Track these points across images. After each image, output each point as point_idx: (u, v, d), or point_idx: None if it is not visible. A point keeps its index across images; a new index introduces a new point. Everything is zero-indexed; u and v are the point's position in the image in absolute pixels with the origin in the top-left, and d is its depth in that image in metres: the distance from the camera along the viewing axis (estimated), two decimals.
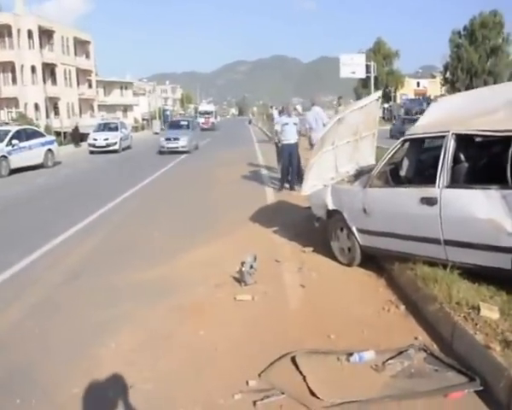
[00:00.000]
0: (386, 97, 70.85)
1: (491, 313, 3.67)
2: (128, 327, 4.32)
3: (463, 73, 58.09)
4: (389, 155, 4.95)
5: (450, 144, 4.26)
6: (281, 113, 15.73)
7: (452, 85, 60.30)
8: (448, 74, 61.85)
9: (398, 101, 75.47)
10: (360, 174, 6.06)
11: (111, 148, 24.28)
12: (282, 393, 3.16)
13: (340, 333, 4.00)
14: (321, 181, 6.22)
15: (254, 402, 3.08)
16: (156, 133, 44.73)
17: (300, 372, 3.39)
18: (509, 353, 3.17)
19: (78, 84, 49.34)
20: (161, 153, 22.63)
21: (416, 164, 5.03)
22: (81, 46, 50.81)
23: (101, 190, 12.51)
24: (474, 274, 4.25)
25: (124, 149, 25.41)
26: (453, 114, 4.60)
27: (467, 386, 3.16)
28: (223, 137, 35.88)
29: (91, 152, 24.45)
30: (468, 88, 57.42)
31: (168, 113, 62.73)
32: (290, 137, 10.81)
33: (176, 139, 22.36)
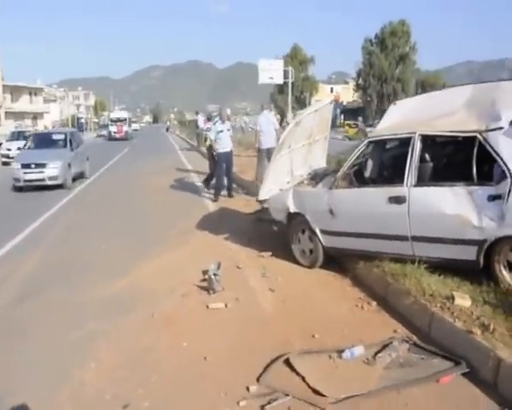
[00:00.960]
0: (301, 103, 73.12)
1: (464, 301, 3.94)
2: (102, 344, 4.10)
3: (375, 79, 61.27)
4: (354, 157, 5.13)
5: (417, 145, 4.51)
6: (209, 119, 15.76)
7: (364, 91, 63.47)
8: (360, 80, 64.92)
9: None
10: (315, 177, 6.24)
11: None
12: (287, 395, 3.17)
13: (322, 332, 4.09)
14: (277, 185, 6.32)
15: (262, 407, 3.06)
16: None
17: (297, 373, 3.42)
18: (488, 335, 3.43)
19: None
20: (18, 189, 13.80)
21: (382, 164, 5.27)
22: None
23: (25, 204, 11.67)
24: (439, 268, 4.53)
25: None
26: (415, 116, 4.88)
27: (454, 370, 3.38)
28: (143, 147, 34.79)
29: (4, 163, 22.52)
30: (379, 94, 60.88)
31: (83, 121, 60.27)
32: (226, 144, 10.56)
33: (40, 166, 13.41)
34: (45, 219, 9.57)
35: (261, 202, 6.44)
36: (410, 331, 4.05)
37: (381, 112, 62.35)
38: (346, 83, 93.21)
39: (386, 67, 61.44)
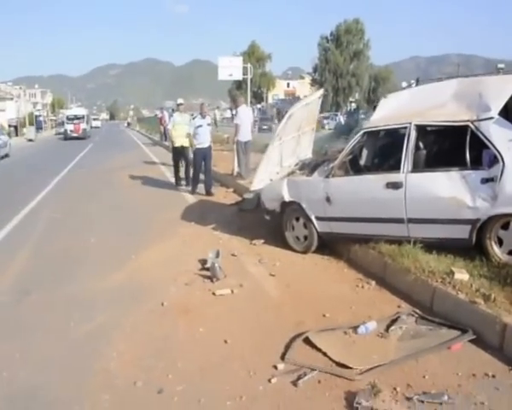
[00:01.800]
0: (259, 98, 73.67)
1: (462, 275, 4.24)
2: (118, 335, 4.13)
3: (330, 74, 62.69)
4: (350, 147, 5.37)
5: (412, 134, 4.80)
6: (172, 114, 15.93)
7: (321, 86, 64.60)
8: (317, 75, 66.22)
9: (270, 101, 78.79)
10: (304, 167, 6.45)
11: None
12: (313, 369, 3.35)
13: (332, 311, 4.30)
14: (267, 175, 6.49)
15: (294, 382, 3.23)
16: (31, 140, 41.52)
17: (318, 349, 3.61)
18: (491, 304, 3.73)
19: None
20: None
21: (378, 153, 5.53)
22: None
23: (3, 201, 11.28)
24: (433, 247, 4.83)
25: (2, 158, 23.08)
26: (407, 108, 5.17)
27: (462, 337, 3.67)
28: (106, 143, 34.34)
29: None
30: (334, 88, 62.24)
31: (41, 118, 58.41)
32: (204, 139, 10.49)
33: None
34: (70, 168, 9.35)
35: (253, 192, 6.59)
36: (412, 306, 4.31)
37: (336, 104, 63.96)
38: (302, 78, 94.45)
39: (342, 63, 63.19)
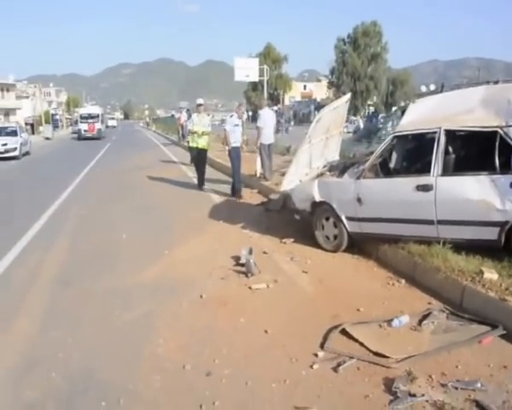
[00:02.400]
0: (275, 100, 73.98)
1: (491, 275, 4.42)
2: (161, 324, 4.37)
3: (348, 77, 62.67)
4: (380, 150, 5.58)
5: (442, 138, 4.99)
6: (190, 116, 16.15)
7: (338, 88, 64.70)
8: (334, 78, 66.24)
9: (287, 103, 78.97)
10: (333, 168, 6.68)
11: (10, 154, 22.07)
12: (352, 358, 3.57)
13: (365, 306, 4.51)
14: (296, 177, 6.72)
15: (334, 369, 3.45)
16: (48, 138, 42.25)
17: (355, 340, 3.83)
18: None
19: None
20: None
21: (408, 156, 5.73)
22: None
23: (32, 197, 11.65)
24: (462, 248, 5.00)
25: (23, 155, 23.63)
26: (436, 113, 5.36)
27: (493, 332, 3.85)
28: (124, 143, 34.85)
29: None
30: (352, 91, 62.18)
31: (57, 117, 59.36)
32: (238, 139, 10.52)
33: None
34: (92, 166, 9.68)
35: (284, 192, 6.82)
36: (442, 303, 4.50)
37: (354, 108, 64.02)
38: (319, 80, 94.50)
39: (359, 66, 63.09)
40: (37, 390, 3.41)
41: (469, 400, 3.04)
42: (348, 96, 7.30)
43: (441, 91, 11.21)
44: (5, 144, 22.16)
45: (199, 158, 11.74)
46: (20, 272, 5.90)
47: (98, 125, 39.15)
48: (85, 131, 38.42)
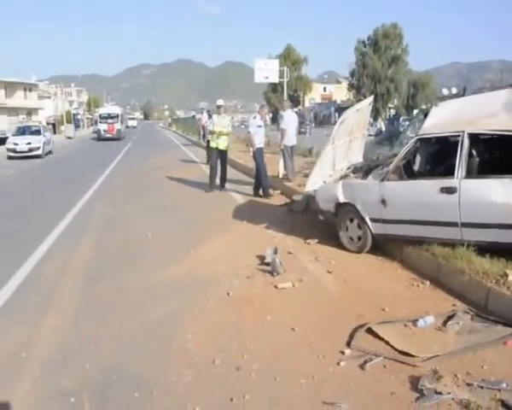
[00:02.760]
0: (295, 101, 74.00)
1: None
2: (189, 320, 4.49)
3: (368, 79, 62.40)
4: (404, 153, 5.63)
5: (465, 142, 5.02)
6: (210, 117, 16.35)
7: (358, 90, 64.40)
8: (354, 80, 66.01)
9: (307, 105, 78.91)
10: (357, 170, 6.74)
11: (34, 153, 22.70)
12: (378, 356, 3.64)
13: (390, 306, 4.57)
14: (320, 178, 6.79)
15: (361, 366, 3.53)
16: (69, 138, 43.01)
17: (381, 339, 3.89)
18: None
19: None
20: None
21: (431, 159, 5.77)
22: None
23: (57, 196, 11.94)
24: (486, 250, 5.01)
25: (46, 154, 24.15)
26: (459, 116, 5.39)
27: None
28: (145, 143, 35.26)
29: (10, 157, 22.66)
30: (372, 93, 61.95)
31: (79, 117, 60.40)
32: (261, 140, 10.71)
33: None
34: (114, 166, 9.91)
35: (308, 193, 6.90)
36: (466, 305, 4.53)
37: (375, 110, 63.65)
38: (339, 82, 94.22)
39: (380, 68, 62.76)
40: (72, 380, 3.56)
41: (495, 399, 3.07)
42: (371, 98, 7.36)
43: (463, 95, 11.18)
44: (29, 143, 22.75)
45: (220, 159, 11.67)
46: (49, 269, 6.10)
47: (118, 126, 38.36)
48: (105, 131, 37.78)
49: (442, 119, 5.57)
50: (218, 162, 11.70)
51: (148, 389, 3.38)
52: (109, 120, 38.38)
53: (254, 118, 10.89)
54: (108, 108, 44.57)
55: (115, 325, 4.49)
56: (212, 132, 11.73)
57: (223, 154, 11.64)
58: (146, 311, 4.75)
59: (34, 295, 5.25)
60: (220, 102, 12.03)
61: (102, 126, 38.16)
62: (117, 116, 39.08)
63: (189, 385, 3.43)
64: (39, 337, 4.24)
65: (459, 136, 5.12)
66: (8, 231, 8.18)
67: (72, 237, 7.73)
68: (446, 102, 6.27)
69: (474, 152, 5.25)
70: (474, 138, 5.12)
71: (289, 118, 11.35)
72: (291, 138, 11.28)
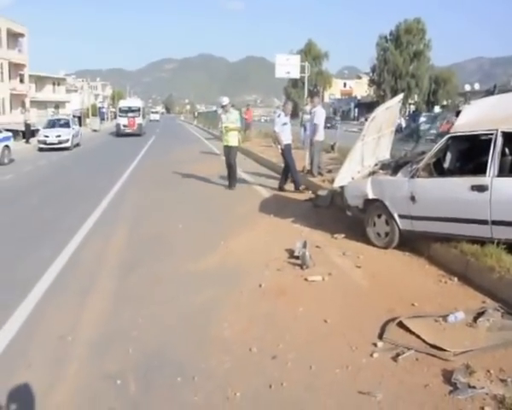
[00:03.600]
0: (312, 96, 73.33)
1: None
2: (226, 309, 4.64)
3: (389, 75, 61.82)
4: (435, 150, 5.69)
5: (499, 140, 5.06)
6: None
7: (379, 86, 63.81)
8: (375, 76, 65.47)
9: (327, 100, 78.54)
10: (385, 167, 6.81)
11: (63, 145, 23.31)
12: (410, 349, 3.74)
13: (420, 301, 4.66)
14: (349, 174, 6.88)
15: (393, 358, 3.64)
16: (95, 130, 43.61)
17: (412, 333, 3.99)
18: None
19: (10, 78, 46.63)
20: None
21: (462, 157, 5.82)
22: (14, 38, 48.08)
23: (86, 188, 12.25)
24: None
25: (75, 146, 24.68)
26: (493, 115, 5.42)
27: None
28: (168, 136, 35.64)
29: (41, 149, 23.27)
30: (393, 89, 61.46)
31: (104, 110, 61.26)
32: (289, 136, 10.73)
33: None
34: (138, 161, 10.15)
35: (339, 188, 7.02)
36: (496, 302, 4.59)
37: None
38: (359, 78, 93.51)
39: (401, 64, 62.15)
40: (117, 364, 3.75)
41: None
42: (401, 96, 7.44)
43: (493, 92, 11.12)
44: (59, 136, 23.31)
45: (228, 155, 11.43)
46: (86, 257, 6.34)
47: (139, 120, 34.82)
48: (124, 126, 34.39)
49: (475, 117, 5.60)
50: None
51: (189, 375, 3.54)
52: (130, 114, 34.79)
53: (279, 116, 10.90)
54: (129, 101, 41.25)
55: (153, 312, 4.67)
56: (221, 131, 11.72)
57: (231, 150, 11.38)
58: (182, 299, 4.94)
59: (74, 282, 5.48)
60: (225, 100, 11.55)
61: (122, 121, 34.76)
62: (138, 110, 35.54)
63: (229, 371, 3.59)
64: (82, 322, 4.46)
65: (492, 134, 5.16)
66: (46, 220, 8.54)
67: (105, 226, 8.00)
68: (479, 101, 6.30)
69: (506, 151, 5.29)
70: (508, 137, 5.16)
71: (321, 113, 11.45)
72: (322, 133, 11.39)
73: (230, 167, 11.47)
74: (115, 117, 42.31)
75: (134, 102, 40.32)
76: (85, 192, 11.44)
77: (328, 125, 36.14)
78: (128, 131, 34.17)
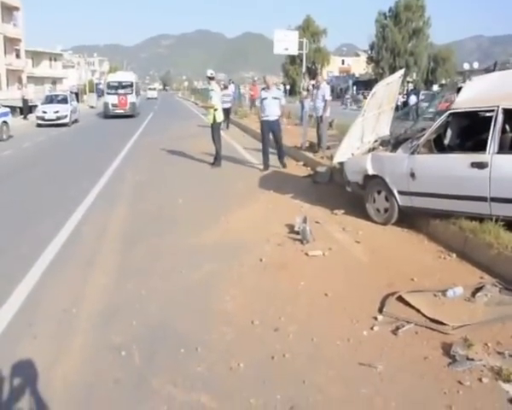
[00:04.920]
0: (313, 74, 72.92)
1: None
2: (227, 283, 4.69)
3: (388, 52, 61.28)
4: (436, 126, 5.69)
5: (499, 117, 5.07)
6: (226, 87, 16.75)
7: (377, 64, 63.27)
8: (373, 53, 64.87)
9: (325, 77, 77.79)
10: (384, 143, 6.81)
11: (61, 121, 23.13)
12: (410, 322, 3.81)
13: (419, 276, 4.72)
14: (349, 150, 6.89)
15: (393, 332, 3.71)
16: (92, 107, 43.19)
17: (412, 307, 4.06)
18: None
19: (6, 53, 46.00)
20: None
21: (463, 134, 5.82)
22: (9, 12, 47.29)
23: (88, 162, 12.24)
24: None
25: (73, 123, 24.51)
26: (494, 91, 5.41)
27: None
28: (167, 112, 35.44)
29: (39, 125, 23.08)
30: (391, 67, 60.93)
31: (101, 86, 60.58)
32: (269, 112, 10.26)
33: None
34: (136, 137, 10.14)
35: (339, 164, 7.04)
36: (494, 278, 4.65)
37: None
38: (358, 55, 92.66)
39: (400, 41, 61.61)
40: (121, 336, 3.79)
41: None
42: (401, 71, 7.40)
43: (494, 70, 11.05)
44: (57, 112, 23.17)
45: (212, 133, 11.19)
46: (88, 232, 6.37)
47: (131, 98, 29.01)
48: (114, 105, 28.57)
49: (476, 93, 5.60)
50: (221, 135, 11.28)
51: (192, 346, 3.60)
52: (120, 91, 28.90)
53: (262, 89, 10.83)
54: (119, 75, 33.82)
55: (156, 285, 4.72)
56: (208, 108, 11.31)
57: (213, 128, 11.15)
58: (184, 273, 4.98)
59: (76, 256, 5.52)
60: (209, 73, 11.38)
61: (111, 99, 28.72)
62: (130, 85, 29.44)
63: (231, 343, 3.65)
64: (86, 295, 4.50)
65: (493, 111, 5.16)
66: (47, 195, 8.57)
67: (106, 201, 8.05)
68: (480, 77, 6.29)
69: (507, 127, 5.29)
70: (509, 114, 5.16)
71: (328, 89, 11.44)
72: (328, 109, 11.39)
73: (215, 142, 11.17)
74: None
75: (125, 75, 33.32)
76: (85, 168, 11.42)
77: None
78: (118, 111, 28.34)
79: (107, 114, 28.57)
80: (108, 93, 29.31)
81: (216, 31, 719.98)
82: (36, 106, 26.10)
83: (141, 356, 3.51)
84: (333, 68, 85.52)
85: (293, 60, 66.60)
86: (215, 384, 3.13)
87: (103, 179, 9.83)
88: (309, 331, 3.75)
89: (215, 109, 10.94)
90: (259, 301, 4.32)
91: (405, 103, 27.75)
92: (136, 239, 6.06)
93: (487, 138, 5.13)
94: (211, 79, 11.22)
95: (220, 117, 11.17)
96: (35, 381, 3.18)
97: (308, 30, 68.67)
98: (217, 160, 11.22)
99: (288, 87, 70.78)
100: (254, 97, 25.14)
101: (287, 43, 40.98)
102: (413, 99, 26.32)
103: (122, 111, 28.47)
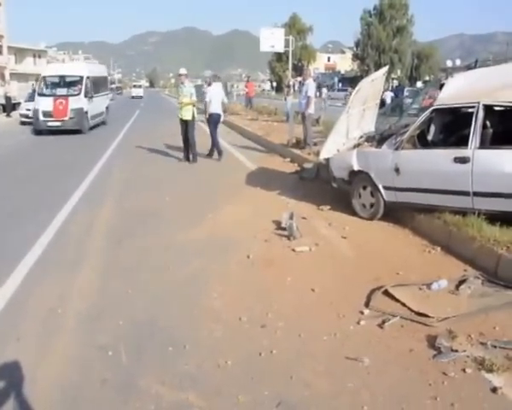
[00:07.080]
0: (299, 71, 73.11)
1: None
2: (215, 280, 4.69)
3: (373, 49, 61.89)
4: (419, 122, 5.75)
5: (480, 113, 5.14)
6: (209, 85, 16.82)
7: (362, 61, 63.75)
8: (358, 50, 65.43)
9: (311, 74, 77.94)
10: (369, 139, 6.87)
11: None
12: (395, 316, 3.86)
13: (404, 270, 4.79)
14: (334, 146, 6.93)
15: (379, 325, 3.75)
16: None
17: (397, 300, 4.11)
18: None
19: None
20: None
21: (445, 129, 5.90)
22: None
23: (73, 160, 12.06)
24: (496, 219, 5.19)
25: None
26: (475, 87, 5.49)
27: None
28: (152, 109, 35.10)
29: (23, 123, 22.19)
30: (376, 64, 61.28)
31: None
32: (214, 107, 11.61)
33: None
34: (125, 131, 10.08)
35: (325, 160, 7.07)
36: (477, 271, 4.72)
37: None
38: (343, 52, 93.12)
39: (384, 38, 62.34)
40: (107, 335, 3.76)
41: (507, 358, 3.28)
42: (386, 68, 7.48)
43: (475, 67, 11.19)
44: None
45: (185, 130, 11.54)
46: (74, 231, 6.31)
47: (76, 103, 17.84)
48: (47, 114, 17.66)
49: (458, 90, 5.67)
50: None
51: (180, 344, 3.60)
52: (58, 92, 18.67)
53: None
54: (62, 67, 23.95)
55: (143, 283, 4.70)
56: (179, 103, 11.66)
57: (187, 124, 11.45)
58: (171, 271, 4.97)
59: (62, 255, 5.47)
60: (181, 70, 11.83)
61: (43, 104, 17.84)
62: (78, 81, 18.73)
63: (219, 340, 3.65)
64: (72, 295, 4.46)
65: (474, 107, 5.23)
66: (32, 194, 8.47)
67: (92, 199, 7.98)
68: (462, 74, 6.37)
69: (488, 123, 5.37)
70: (489, 110, 5.24)
71: (313, 86, 11.45)
72: (313, 106, 11.43)
73: (187, 141, 11.51)
74: None
75: (70, 68, 21.88)
76: (70, 166, 11.26)
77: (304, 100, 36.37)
78: (53, 124, 17.66)
79: (38, 128, 18.13)
80: (41, 94, 18.59)
81: (203, 28, 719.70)
82: (19, 103, 25.59)
83: (128, 355, 3.50)
84: (319, 65, 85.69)
85: (279, 57, 66.70)
86: (203, 382, 3.14)
87: (90, 177, 9.75)
88: (296, 327, 3.78)
89: (194, 106, 11.35)
90: (247, 297, 4.34)
91: (383, 102, 27.60)
92: (122, 237, 6.01)
93: (469, 134, 5.20)
94: (181, 75, 11.67)
95: (195, 113, 11.52)
96: (20, 382, 3.14)
97: (294, 27, 68.76)
98: (194, 156, 11.52)
99: (274, 84, 70.79)
100: (250, 95, 25.13)
101: (273, 40, 40.82)
102: (388, 95, 26.15)
103: (58, 124, 17.63)
